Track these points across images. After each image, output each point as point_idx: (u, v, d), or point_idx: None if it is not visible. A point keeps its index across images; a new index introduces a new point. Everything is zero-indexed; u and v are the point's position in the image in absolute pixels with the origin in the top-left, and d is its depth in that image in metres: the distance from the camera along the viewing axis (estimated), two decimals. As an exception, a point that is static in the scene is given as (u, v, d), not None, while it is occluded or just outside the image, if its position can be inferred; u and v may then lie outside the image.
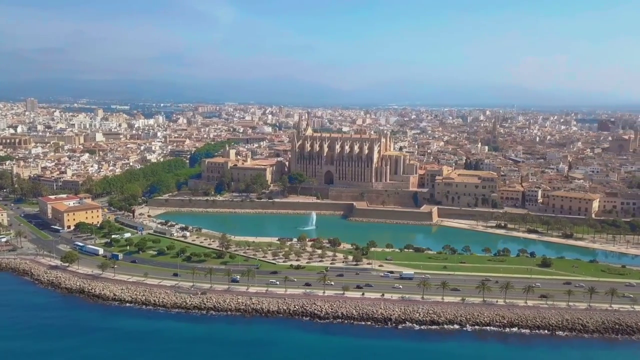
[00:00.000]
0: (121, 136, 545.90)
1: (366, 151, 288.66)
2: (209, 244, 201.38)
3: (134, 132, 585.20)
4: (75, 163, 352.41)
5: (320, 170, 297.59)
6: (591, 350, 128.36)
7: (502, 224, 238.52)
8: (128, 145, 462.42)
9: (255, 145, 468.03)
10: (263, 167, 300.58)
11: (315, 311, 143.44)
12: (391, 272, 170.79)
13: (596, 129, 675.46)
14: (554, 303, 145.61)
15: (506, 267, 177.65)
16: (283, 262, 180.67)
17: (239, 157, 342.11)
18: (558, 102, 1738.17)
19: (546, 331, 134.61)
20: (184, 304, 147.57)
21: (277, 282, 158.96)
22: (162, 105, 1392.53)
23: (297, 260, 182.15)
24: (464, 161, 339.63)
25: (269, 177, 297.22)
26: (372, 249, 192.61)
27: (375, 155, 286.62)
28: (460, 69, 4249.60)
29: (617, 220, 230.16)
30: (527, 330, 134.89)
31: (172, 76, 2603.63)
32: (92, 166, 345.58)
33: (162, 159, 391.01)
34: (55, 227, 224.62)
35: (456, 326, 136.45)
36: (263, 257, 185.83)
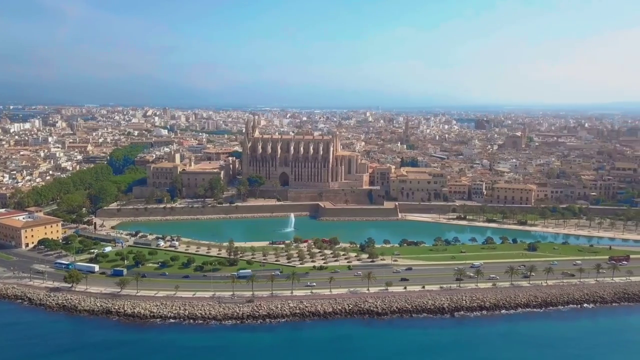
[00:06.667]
0: (3, 142, 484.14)
1: (321, 152, 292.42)
2: (207, 252, 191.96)
3: (17, 137, 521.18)
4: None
5: (275, 172, 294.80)
6: (621, 317, 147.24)
7: (462, 216, 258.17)
8: (21, 153, 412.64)
9: (166, 149, 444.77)
10: (216, 171, 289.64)
11: (372, 308, 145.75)
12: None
13: (474, 128, 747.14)
14: (569, 280, 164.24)
15: (502, 253, 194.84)
16: (300, 264, 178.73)
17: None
18: (407, 103, 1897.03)
19: (576, 305, 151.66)
20: (236, 314, 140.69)
21: (315, 284, 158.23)
22: (11, 107, 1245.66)
23: (312, 261, 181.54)
24: (400, 160, 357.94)
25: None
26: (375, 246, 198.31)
27: (331, 156, 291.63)
28: (313, 74, 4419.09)
29: (557, 206, 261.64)
30: (561, 307, 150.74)
31: (11, 76, 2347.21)
32: (2, 176, 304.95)
33: (77, 167, 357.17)
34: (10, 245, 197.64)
35: (503, 310, 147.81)
36: (276, 260, 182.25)
